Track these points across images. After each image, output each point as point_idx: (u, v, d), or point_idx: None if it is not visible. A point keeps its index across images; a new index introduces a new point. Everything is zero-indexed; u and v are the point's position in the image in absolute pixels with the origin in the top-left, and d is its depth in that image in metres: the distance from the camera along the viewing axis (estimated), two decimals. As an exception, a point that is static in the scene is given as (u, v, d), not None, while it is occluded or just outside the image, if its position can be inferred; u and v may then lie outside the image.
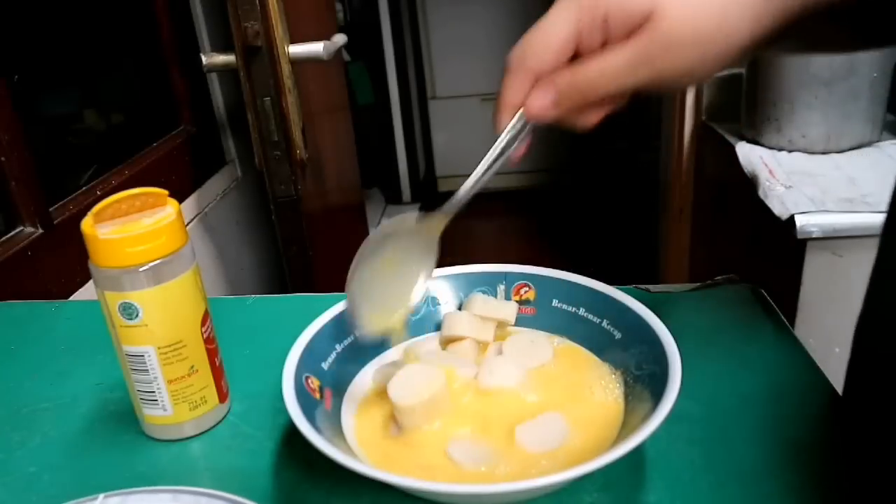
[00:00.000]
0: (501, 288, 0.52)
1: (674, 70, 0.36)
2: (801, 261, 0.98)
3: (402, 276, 0.45)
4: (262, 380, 0.53)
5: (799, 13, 0.37)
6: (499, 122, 0.40)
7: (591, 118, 0.40)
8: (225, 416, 0.50)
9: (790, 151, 1.19)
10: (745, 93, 1.27)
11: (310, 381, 0.42)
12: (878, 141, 1.20)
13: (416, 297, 0.46)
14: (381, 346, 0.50)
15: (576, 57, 0.38)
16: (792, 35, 0.39)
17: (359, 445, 0.42)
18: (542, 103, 0.38)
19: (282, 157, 1.12)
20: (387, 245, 0.44)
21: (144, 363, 0.45)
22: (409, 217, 0.44)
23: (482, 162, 0.42)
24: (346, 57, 2.89)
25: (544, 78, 0.38)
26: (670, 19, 0.35)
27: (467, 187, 0.42)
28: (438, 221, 0.44)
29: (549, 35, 0.37)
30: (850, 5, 0.37)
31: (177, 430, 0.48)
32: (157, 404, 0.46)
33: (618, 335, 0.46)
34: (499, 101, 0.40)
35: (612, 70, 0.36)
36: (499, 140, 0.40)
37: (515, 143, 0.40)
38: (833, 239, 0.95)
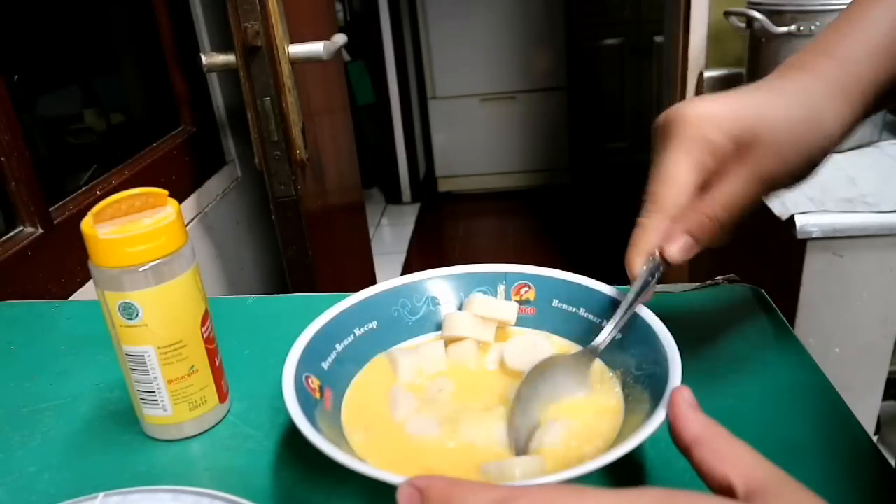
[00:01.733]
0: (501, 288, 0.52)
1: (785, 176, 0.40)
2: (801, 261, 0.98)
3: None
4: (262, 380, 0.53)
5: (880, 97, 0.41)
6: (634, 266, 0.42)
7: (729, 235, 0.42)
8: (225, 416, 0.50)
9: (790, 151, 1.19)
10: (745, 93, 1.27)
11: (310, 380, 0.42)
12: (878, 141, 1.20)
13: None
14: (381, 346, 0.50)
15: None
16: (883, 106, 0.42)
17: (359, 445, 0.42)
18: (683, 250, 0.40)
19: (282, 157, 1.12)
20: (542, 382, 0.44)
21: (144, 363, 0.45)
22: (557, 356, 0.44)
23: (621, 307, 0.43)
24: (346, 57, 2.89)
25: (681, 218, 0.40)
26: (772, 135, 0.39)
27: (610, 329, 0.44)
28: (588, 359, 0.45)
29: (677, 183, 0.40)
30: None
31: (177, 430, 0.48)
32: (157, 404, 0.46)
33: (618, 335, 0.46)
34: (636, 246, 0.41)
35: (734, 196, 0.39)
36: (638, 283, 0.42)
37: (650, 286, 0.42)
38: (833, 239, 0.95)
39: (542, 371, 0.43)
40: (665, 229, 0.41)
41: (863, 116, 0.41)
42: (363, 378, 0.47)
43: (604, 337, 0.44)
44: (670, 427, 0.29)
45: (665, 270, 0.42)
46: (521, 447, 0.41)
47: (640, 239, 0.41)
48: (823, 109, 0.39)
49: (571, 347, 0.49)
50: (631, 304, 0.43)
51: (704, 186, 0.40)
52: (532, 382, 0.43)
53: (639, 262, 0.41)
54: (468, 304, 0.51)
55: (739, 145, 0.39)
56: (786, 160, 0.39)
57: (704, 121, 0.40)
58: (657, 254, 0.41)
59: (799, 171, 0.40)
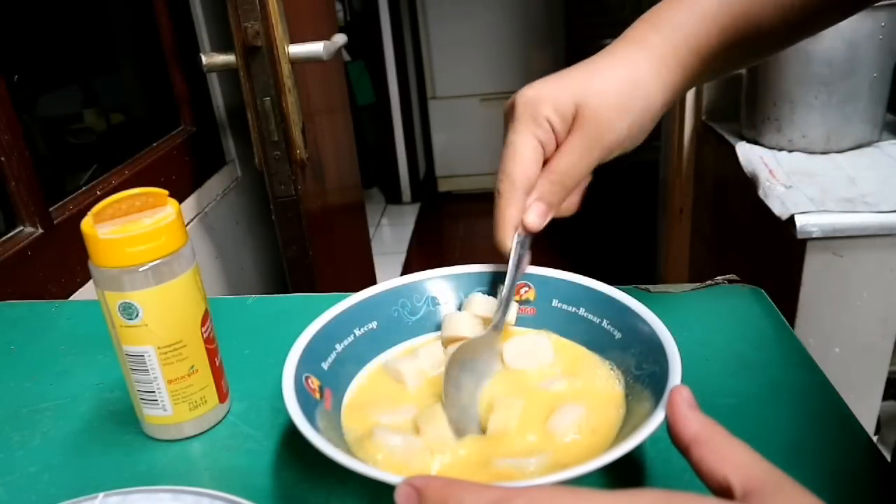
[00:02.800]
0: (501, 288, 0.52)
1: (615, 141, 0.44)
2: (801, 261, 0.98)
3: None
4: (262, 380, 0.53)
5: (704, 64, 0.45)
6: (504, 240, 0.46)
7: (575, 202, 0.48)
8: (225, 416, 0.50)
9: (790, 151, 1.19)
10: (744, 93, 1.27)
11: (310, 380, 0.42)
12: (878, 141, 1.20)
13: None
14: (381, 346, 0.50)
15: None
16: (715, 73, 0.47)
17: (359, 445, 0.42)
18: (540, 215, 0.45)
19: (282, 157, 1.12)
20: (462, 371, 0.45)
21: (144, 363, 0.45)
22: (467, 344, 0.46)
23: (506, 282, 0.46)
24: (346, 57, 2.89)
25: (531, 191, 0.45)
26: (594, 106, 0.44)
27: (501, 307, 0.46)
28: (496, 338, 0.47)
29: (524, 158, 0.45)
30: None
31: (177, 430, 0.48)
32: (157, 404, 0.46)
33: (618, 335, 0.46)
34: (501, 223, 0.45)
35: (573, 164, 0.45)
36: (513, 257, 0.46)
37: (524, 257, 0.47)
38: (833, 239, 0.95)
39: (460, 360, 0.44)
40: (522, 203, 0.45)
41: (694, 79, 0.46)
42: (364, 388, 0.47)
43: (499, 316, 0.46)
44: (669, 426, 0.29)
45: (529, 239, 0.46)
46: (472, 428, 0.42)
47: (502, 216, 0.45)
48: (646, 77, 0.44)
49: (573, 347, 0.49)
50: (514, 279, 0.46)
51: (549, 159, 0.45)
52: (453, 372, 0.44)
53: (509, 238, 0.46)
54: (468, 303, 0.51)
55: (570, 120, 0.44)
56: (612, 127, 0.44)
57: (539, 101, 0.44)
58: (520, 227, 0.46)
59: (629, 135, 0.44)
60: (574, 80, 0.45)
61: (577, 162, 0.44)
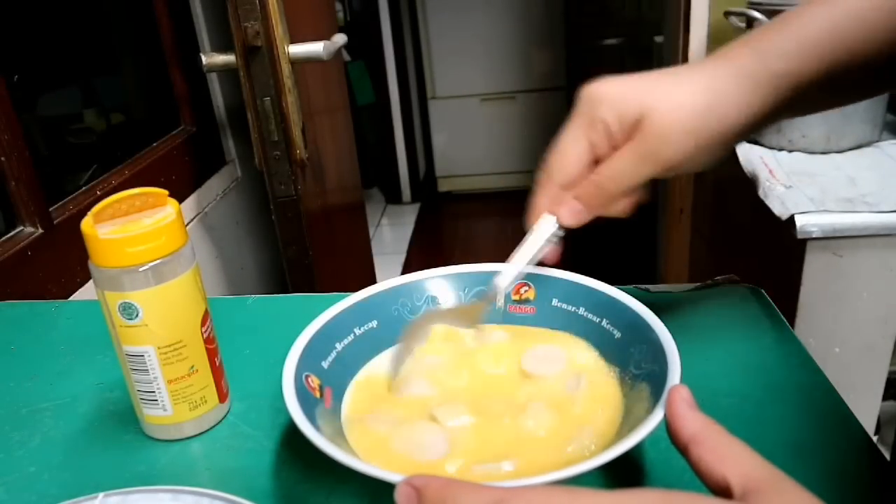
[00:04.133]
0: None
1: (674, 160, 0.41)
2: (801, 261, 0.98)
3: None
4: (262, 380, 0.53)
5: (794, 94, 0.41)
6: (530, 223, 0.46)
7: (623, 206, 0.45)
8: (225, 416, 0.50)
9: (790, 151, 1.19)
10: (745, 93, 1.27)
11: (310, 380, 0.42)
12: (878, 141, 1.20)
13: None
14: (381, 345, 0.50)
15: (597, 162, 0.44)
16: (797, 110, 0.44)
17: (359, 444, 0.42)
18: (574, 212, 0.44)
19: (282, 157, 1.12)
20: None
21: (144, 363, 0.45)
22: (449, 307, 0.49)
23: (521, 258, 0.47)
24: (346, 57, 2.89)
25: (572, 188, 0.44)
26: (658, 119, 0.41)
27: (508, 280, 0.47)
28: (477, 309, 0.49)
29: (568, 154, 0.44)
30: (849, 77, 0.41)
31: (177, 430, 0.48)
32: (157, 404, 0.46)
33: (618, 335, 0.46)
34: (530, 211, 0.46)
35: (620, 172, 0.42)
36: (530, 235, 0.46)
37: (550, 245, 0.47)
38: (833, 239, 0.95)
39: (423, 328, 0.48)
40: (555, 195, 0.45)
41: (782, 110, 0.42)
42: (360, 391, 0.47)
43: (504, 285, 0.47)
44: (668, 425, 0.29)
45: (562, 233, 0.46)
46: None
47: (532, 204, 0.46)
48: (726, 98, 0.41)
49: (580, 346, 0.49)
50: (532, 260, 0.47)
51: (599, 160, 0.44)
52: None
53: (534, 221, 0.46)
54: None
55: (629, 126, 0.42)
56: (672, 146, 0.41)
57: (600, 101, 0.43)
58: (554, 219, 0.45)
59: (693, 157, 0.41)
60: (646, 86, 0.42)
61: (623, 170, 0.42)
